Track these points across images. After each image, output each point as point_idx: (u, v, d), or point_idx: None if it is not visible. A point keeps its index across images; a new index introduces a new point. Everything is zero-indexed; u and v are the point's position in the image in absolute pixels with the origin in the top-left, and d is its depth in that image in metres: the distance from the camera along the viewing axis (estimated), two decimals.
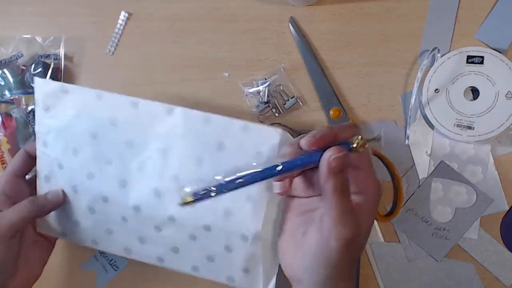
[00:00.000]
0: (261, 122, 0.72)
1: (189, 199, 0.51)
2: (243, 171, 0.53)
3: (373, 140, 0.47)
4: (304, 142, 0.50)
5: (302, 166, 0.51)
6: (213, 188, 0.51)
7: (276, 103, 0.72)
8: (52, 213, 0.68)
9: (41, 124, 0.66)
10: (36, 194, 0.68)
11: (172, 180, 0.62)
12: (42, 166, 0.68)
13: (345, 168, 0.49)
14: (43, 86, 0.65)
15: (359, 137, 0.50)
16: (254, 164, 0.58)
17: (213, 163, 0.60)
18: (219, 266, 0.63)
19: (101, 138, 0.64)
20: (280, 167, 0.50)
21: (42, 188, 0.68)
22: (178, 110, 0.61)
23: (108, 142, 0.63)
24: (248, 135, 0.59)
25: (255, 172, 0.51)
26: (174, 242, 0.64)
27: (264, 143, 0.58)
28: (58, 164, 0.66)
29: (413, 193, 0.70)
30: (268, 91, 0.72)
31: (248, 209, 0.59)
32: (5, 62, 0.75)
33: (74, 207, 0.66)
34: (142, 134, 0.62)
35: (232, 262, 0.62)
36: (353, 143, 0.50)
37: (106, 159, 0.64)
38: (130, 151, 0.63)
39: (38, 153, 0.68)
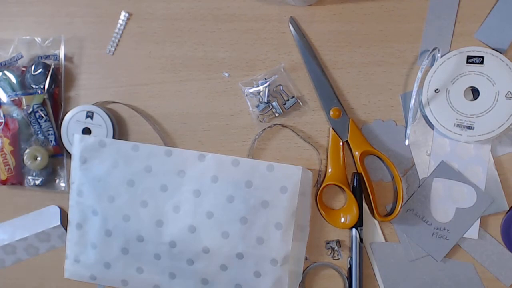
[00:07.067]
0: (261, 122, 0.73)
1: None
2: (269, 203, 0.68)
3: None
4: None
5: None
6: None
7: (276, 103, 0.72)
8: (82, 259, 0.73)
9: (76, 176, 0.72)
10: None
11: (207, 216, 0.69)
12: (74, 215, 0.73)
13: None
14: (81, 141, 0.72)
15: None
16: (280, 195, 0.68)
17: (243, 199, 0.68)
18: None
19: (137, 185, 0.71)
20: None
21: (73, 235, 0.73)
22: (210, 156, 0.70)
23: (144, 188, 0.70)
24: (273, 173, 0.68)
25: None
26: (204, 274, 0.70)
27: (288, 179, 0.68)
28: (93, 211, 0.72)
29: (413, 193, 0.70)
30: (268, 91, 0.72)
31: (278, 235, 0.68)
32: (5, 64, 0.75)
33: (107, 250, 0.72)
34: (175, 179, 0.70)
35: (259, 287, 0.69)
36: None
37: (142, 203, 0.70)
38: (164, 194, 0.70)
39: (71, 203, 0.73)
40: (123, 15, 0.75)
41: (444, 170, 0.69)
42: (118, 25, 0.76)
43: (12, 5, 0.78)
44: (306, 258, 0.72)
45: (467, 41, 0.70)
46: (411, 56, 0.71)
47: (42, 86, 0.73)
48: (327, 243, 0.72)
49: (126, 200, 0.71)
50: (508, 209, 0.69)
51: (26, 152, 0.74)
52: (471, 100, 0.68)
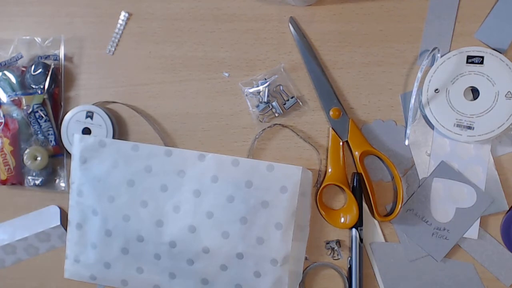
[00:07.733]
0: (261, 122, 0.73)
1: None
2: (269, 203, 0.68)
3: None
4: None
5: None
6: None
7: (276, 103, 0.72)
8: (82, 259, 0.73)
9: (76, 176, 0.72)
10: None
11: (207, 216, 0.69)
12: (74, 215, 0.73)
13: None
14: (81, 141, 0.72)
15: None
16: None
17: (243, 199, 0.68)
18: None
19: (137, 185, 0.71)
20: None
21: (73, 235, 0.73)
22: (210, 156, 0.70)
23: (144, 188, 0.71)
24: (273, 173, 0.68)
25: None
26: (204, 274, 0.70)
27: (288, 179, 0.68)
28: (93, 211, 0.72)
29: (413, 193, 0.70)
30: (268, 91, 0.72)
31: (278, 235, 0.68)
32: (5, 64, 0.75)
33: (107, 250, 0.72)
34: (175, 179, 0.70)
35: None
36: None
37: (142, 203, 0.70)
38: (164, 194, 0.70)
39: (71, 203, 0.73)
40: (123, 15, 0.75)
41: (444, 170, 0.69)
42: (118, 25, 0.76)
43: (12, 5, 0.78)
44: (306, 258, 0.72)
45: (467, 41, 0.70)
46: (411, 56, 0.71)
47: (42, 86, 0.73)
48: (327, 243, 0.72)
49: (126, 200, 0.71)
50: (508, 209, 0.69)
51: (26, 152, 0.74)
52: (471, 100, 0.68)
